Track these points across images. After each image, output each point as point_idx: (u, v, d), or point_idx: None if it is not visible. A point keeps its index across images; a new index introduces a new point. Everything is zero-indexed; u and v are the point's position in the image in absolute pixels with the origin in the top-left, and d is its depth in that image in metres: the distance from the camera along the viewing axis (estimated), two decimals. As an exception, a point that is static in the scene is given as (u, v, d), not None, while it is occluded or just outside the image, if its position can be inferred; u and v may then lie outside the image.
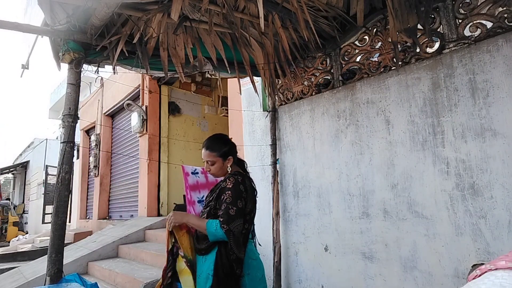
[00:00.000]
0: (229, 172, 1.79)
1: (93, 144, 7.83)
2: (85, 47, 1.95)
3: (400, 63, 2.26)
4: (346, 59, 2.60)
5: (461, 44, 1.98)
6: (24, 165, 16.53)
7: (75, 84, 1.89)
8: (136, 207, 5.98)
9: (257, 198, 1.82)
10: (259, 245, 2.01)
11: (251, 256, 1.66)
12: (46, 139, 14.31)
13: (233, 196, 1.60)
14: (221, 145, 1.79)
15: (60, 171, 1.78)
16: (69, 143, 1.82)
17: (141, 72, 2.36)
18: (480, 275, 0.53)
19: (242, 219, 1.61)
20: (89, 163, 8.21)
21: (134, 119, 5.80)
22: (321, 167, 2.70)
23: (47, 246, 1.78)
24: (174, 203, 5.74)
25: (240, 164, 1.89)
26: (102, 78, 6.94)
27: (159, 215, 5.61)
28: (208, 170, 1.81)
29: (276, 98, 3.17)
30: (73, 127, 1.86)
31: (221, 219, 1.57)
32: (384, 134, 2.30)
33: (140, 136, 5.98)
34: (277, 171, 3.04)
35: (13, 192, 18.85)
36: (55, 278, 1.71)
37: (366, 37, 2.46)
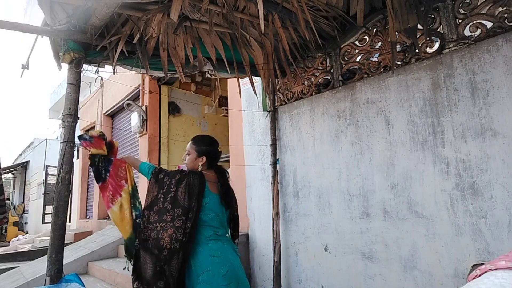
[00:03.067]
0: (199, 170, 1.88)
1: (93, 144, 7.81)
2: (85, 47, 1.95)
3: (400, 63, 2.26)
4: (346, 59, 2.60)
5: (461, 44, 1.98)
6: (24, 165, 16.50)
7: (75, 84, 1.89)
8: (136, 207, 5.96)
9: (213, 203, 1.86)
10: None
11: (212, 254, 1.69)
12: (46, 139, 14.28)
13: (169, 172, 1.83)
14: (203, 143, 1.93)
15: (60, 171, 1.78)
16: (69, 143, 1.82)
17: (141, 72, 2.36)
18: (480, 275, 0.53)
19: (158, 188, 1.79)
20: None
21: (134, 119, 5.79)
22: (321, 167, 2.70)
23: (47, 246, 1.78)
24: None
25: (218, 172, 1.93)
26: (102, 78, 6.92)
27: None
28: (184, 159, 1.96)
29: (276, 98, 3.17)
30: (73, 127, 1.86)
31: (155, 170, 1.86)
32: (384, 134, 2.30)
33: (140, 136, 5.98)
34: (277, 171, 3.04)
35: (13, 192, 18.82)
36: (55, 278, 1.70)
37: (366, 37, 2.46)
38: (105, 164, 2.02)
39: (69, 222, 8.71)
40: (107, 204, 2.02)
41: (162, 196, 1.74)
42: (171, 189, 1.74)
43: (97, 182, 2.04)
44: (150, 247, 1.69)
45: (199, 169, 1.87)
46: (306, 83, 2.93)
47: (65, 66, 1.94)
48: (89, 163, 2.05)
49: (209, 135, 2.04)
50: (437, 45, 2.10)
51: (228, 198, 1.89)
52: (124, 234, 2.03)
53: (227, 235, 1.88)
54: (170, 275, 1.62)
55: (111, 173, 2.01)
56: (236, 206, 2.01)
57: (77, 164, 8.51)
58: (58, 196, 1.77)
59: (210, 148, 1.92)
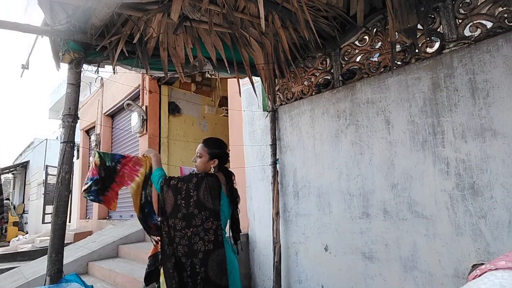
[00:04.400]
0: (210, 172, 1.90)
1: (93, 144, 7.82)
2: (85, 47, 1.95)
3: (400, 63, 2.26)
4: (346, 59, 2.60)
5: (461, 44, 1.98)
6: (24, 165, 16.50)
7: (75, 84, 1.89)
8: (136, 207, 5.96)
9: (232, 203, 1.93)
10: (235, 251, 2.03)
11: (234, 250, 1.82)
12: (46, 139, 14.28)
13: (182, 178, 1.80)
14: (216, 146, 1.95)
15: (60, 171, 1.78)
16: (69, 143, 1.82)
17: (141, 72, 2.36)
18: (480, 275, 0.53)
19: (173, 194, 1.76)
20: (89, 163, 8.20)
21: (134, 119, 5.79)
22: (321, 167, 2.70)
23: (47, 246, 1.78)
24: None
25: (227, 175, 1.94)
26: (102, 78, 6.92)
27: (159, 215, 5.60)
28: (194, 161, 1.95)
29: (276, 98, 3.17)
30: (73, 127, 1.86)
31: (165, 179, 1.81)
32: (384, 134, 2.30)
33: (140, 136, 5.98)
34: (277, 171, 3.04)
35: (13, 192, 18.82)
36: (55, 278, 1.71)
37: (366, 37, 2.46)
38: (115, 159, 2.00)
39: (69, 222, 8.71)
40: (126, 183, 2.03)
41: (183, 202, 1.72)
42: (191, 193, 1.71)
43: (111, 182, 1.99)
44: (180, 255, 1.67)
45: (211, 171, 1.89)
46: (306, 83, 2.93)
47: (65, 66, 1.94)
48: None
49: (218, 137, 2.07)
50: (437, 45, 2.10)
51: (235, 202, 1.93)
52: (136, 210, 2.07)
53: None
54: (207, 276, 1.63)
55: (123, 163, 2.01)
56: (237, 209, 2.03)
57: (77, 164, 8.51)
58: (58, 196, 1.77)
59: (222, 151, 1.95)
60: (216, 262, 1.65)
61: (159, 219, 1.84)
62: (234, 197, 1.92)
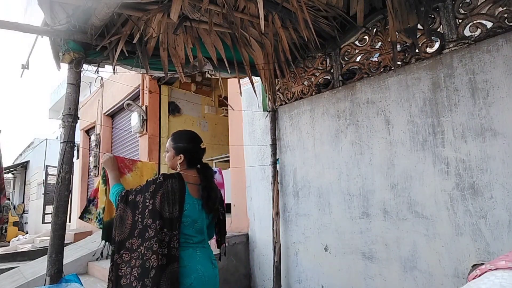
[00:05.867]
0: (178, 169, 1.71)
1: (93, 144, 7.82)
2: (85, 47, 1.94)
3: (400, 63, 2.26)
4: (346, 59, 2.60)
5: (461, 44, 1.98)
6: (24, 165, 16.50)
7: (75, 84, 1.88)
8: (136, 207, 5.95)
9: (196, 205, 1.65)
10: (224, 255, 1.88)
11: (180, 264, 1.50)
12: (46, 139, 14.27)
13: (141, 187, 1.60)
14: (181, 140, 1.74)
15: (60, 171, 1.78)
16: (69, 143, 1.82)
17: (141, 72, 2.36)
18: (480, 275, 0.53)
19: (131, 211, 1.57)
20: (89, 163, 8.20)
21: (134, 119, 5.79)
22: (321, 167, 2.70)
23: (47, 246, 1.77)
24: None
25: (202, 172, 1.71)
26: (102, 78, 6.93)
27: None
28: (165, 156, 1.83)
29: (276, 98, 3.17)
30: (73, 127, 1.85)
31: (121, 195, 1.62)
32: (384, 134, 2.30)
33: (140, 136, 5.98)
34: (277, 171, 3.04)
35: (13, 192, 18.81)
36: (55, 278, 1.70)
37: (366, 37, 2.46)
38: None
39: (69, 222, 8.70)
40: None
41: (140, 216, 1.50)
42: (147, 203, 1.50)
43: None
44: (132, 280, 1.42)
45: (178, 168, 1.70)
46: (306, 83, 2.93)
47: (65, 66, 1.93)
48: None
49: (192, 130, 1.84)
50: (437, 45, 2.10)
51: (210, 202, 1.65)
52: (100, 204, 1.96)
53: (206, 241, 1.69)
54: None
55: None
56: (222, 209, 1.81)
57: (77, 164, 8.51)
58: (58, 196, 1.77)
59: (189, 146, 1.71)
60: (168, 279, 1.42)
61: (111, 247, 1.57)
62: (208, 198, 1.65)
